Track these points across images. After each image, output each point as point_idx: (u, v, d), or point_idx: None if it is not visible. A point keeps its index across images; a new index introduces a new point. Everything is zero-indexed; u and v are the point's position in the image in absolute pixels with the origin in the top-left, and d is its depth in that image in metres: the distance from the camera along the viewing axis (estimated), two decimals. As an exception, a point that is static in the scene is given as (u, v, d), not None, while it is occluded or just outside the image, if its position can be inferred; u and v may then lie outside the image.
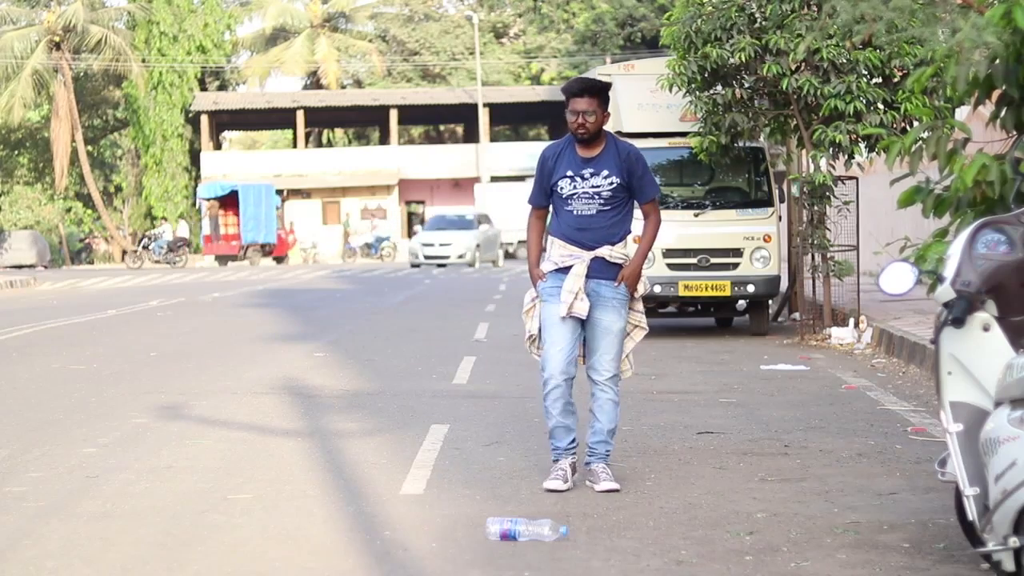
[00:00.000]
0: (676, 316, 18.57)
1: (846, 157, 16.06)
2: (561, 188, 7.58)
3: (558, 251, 7.64)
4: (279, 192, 54.44)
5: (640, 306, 7.83)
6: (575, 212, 7.57)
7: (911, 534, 6.54)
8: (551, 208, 7.76)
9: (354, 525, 6.88)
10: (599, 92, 7.55)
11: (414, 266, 44.32)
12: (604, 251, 7.58)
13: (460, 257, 43.89)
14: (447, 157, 58.96)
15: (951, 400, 5.58)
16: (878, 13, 6.95)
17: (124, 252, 56.44)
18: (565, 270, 7.59)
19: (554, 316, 7.57)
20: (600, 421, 7.69)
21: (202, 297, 27.66)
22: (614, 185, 7.56)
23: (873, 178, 22.26)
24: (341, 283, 33.60)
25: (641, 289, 7.73)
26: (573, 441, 7.70)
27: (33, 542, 6.55)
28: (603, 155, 7.60)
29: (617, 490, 7.48)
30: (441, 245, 44.28)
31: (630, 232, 7.78)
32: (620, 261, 7.62)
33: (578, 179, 7.55)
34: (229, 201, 51.41)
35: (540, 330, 7.72)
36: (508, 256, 52.12)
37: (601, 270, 7.58)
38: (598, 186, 7.55)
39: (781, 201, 17.74)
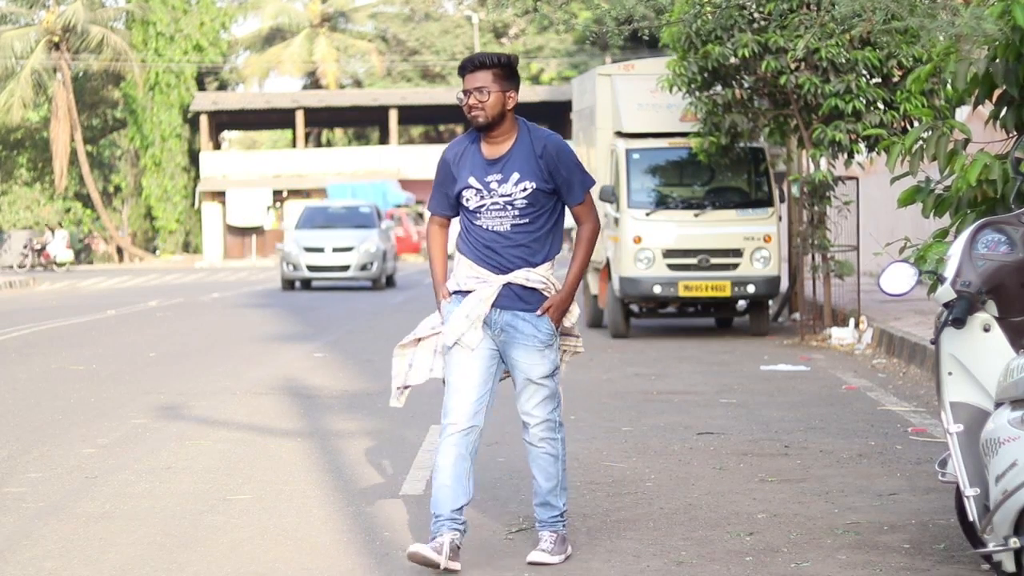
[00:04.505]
0: (676, 316, 18.57)
1: (846, 156, 16.08)
2: (467, 200, 6.05)
3: (464, 272, 6.11)
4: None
5: (576, 330, 6.33)
6: (485, 226, 6.04)
7: (911, 535, 6.54)
8: (461, 222, 6.21)
9: (354, 525, 6.88)
10: (497, 65, 6.01)
11: (288, 284, 29.89)
12: (519, 275, 6.02)
13: (363, 269, 29.35)
14: (447, 157, 58.85)
15: (951, 401, 5.57)
16: (877, 4, 6.94)
17: (121, 252, 56.47)
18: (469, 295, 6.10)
19: (457, 350, 6.07)
20: (536, 480, 6.20)
21: (202, 297, 27.65)
22: (528, 192, 5.98)
23: (873, 178, 22.26)
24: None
25: (570, 321, 6.20)
26: (459, 511, 5.98)
27: (32, 543, 6.54)
28: (513, 153, 6.02)
29: (548, 564, 6.06)
30: (335, 250, 29.34)
31: (559, 251, 6.17)
32: (540, 286, 6.04)
33: (484, 189, 6.01)
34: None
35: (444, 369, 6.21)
36: None
37: (516, 299, 6.04)
38: (509, 194, 5.99)
39: (781, 201, 17.76)
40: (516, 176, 5.99)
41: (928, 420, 10.01)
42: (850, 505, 7.20)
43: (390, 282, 30.86)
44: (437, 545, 5.85)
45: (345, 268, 29.22)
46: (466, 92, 6.00)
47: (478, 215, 6.04)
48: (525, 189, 5.98)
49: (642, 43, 56.28)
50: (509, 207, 6.00)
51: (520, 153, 6.03)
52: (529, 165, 5.99)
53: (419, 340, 6.25)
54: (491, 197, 6.00)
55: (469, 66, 6.01)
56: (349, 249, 29.25)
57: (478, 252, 6.05)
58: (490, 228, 6.03)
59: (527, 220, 6.01)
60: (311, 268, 29.26)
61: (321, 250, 29.27)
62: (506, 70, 6.02)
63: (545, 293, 6.05)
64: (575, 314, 6.19)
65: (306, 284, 30.06)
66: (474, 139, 6.11)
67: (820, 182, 16.15)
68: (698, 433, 9.62)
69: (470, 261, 6.08)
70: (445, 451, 6.03)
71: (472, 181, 6.02)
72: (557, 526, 6.17)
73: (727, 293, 16.73)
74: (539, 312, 6.01)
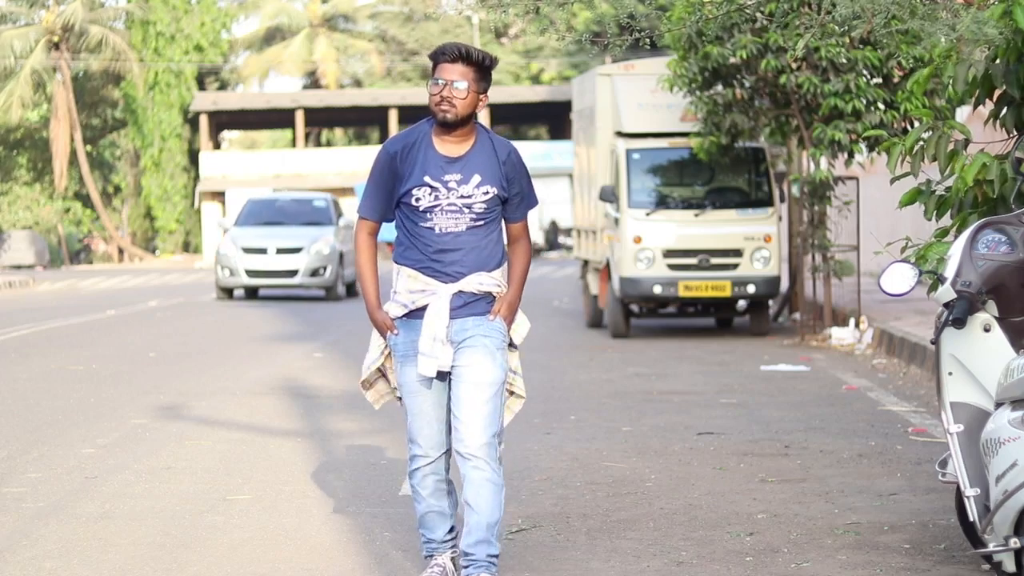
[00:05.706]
0: (676, 316, 18.57)
1: (846, 156, 16.08)
2: (417, 200, 5.53)
3: (406, 285, 5.62)
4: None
5: (516, 362, 5.76)
6: (437, 229, 5.54)
7: (912, 535, 6.54)
8: (400, 227, 5.67)
9: (354, 525, 6.87)
10: (478, 64, 5.53)
11: (225, 292, 25.06)
12: (472, 281, 5.56)
13: (313, 275, 24.41)
14: (447, 157, 58.81)
15: (952, 401, 5.57)
16: (877, 7, 6.92)
17: (121, 252, 56.50)
18: (419, 313, 5.59)
19: (414, 379, 5.63)
20: (476, 513, 5.48)
21: (201, 297, 27.63)
22: (489, 196, 5.55)
23: (873, 178, 22.25)
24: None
25: (520, 335, 5.76)
26: (451, 531, 5.77)
27: (32, 543, 6.54)
28: (474, 154, 5.57)
29: None
30: (280, 252, 24.43)
31: (505, 259, 5.73)
32: (496, 289, 5.61)
33: (441, 188, 5.52)
34: None
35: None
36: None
37: (465, 306, 5.58)
38: (468, 196, 5.53)
39: (781, 201, 17.76)
40: (478, 178, 5.54)
41: (928, 420, 10.01)
42: (850, 505, 7.20)
43: (351, 291, 25.51)
44: (437, 570, 5.72)
45: (292, 273, 24.32)
46: (439, 82, 5.48)
47: (428, 216, 5.54)
48: (487, 193, 5.55)
49: (644, 45, 56.32)
50: (466, 209, 5.54)
51: (482, 155, 5.57)
52: (492, 169, 5.57)
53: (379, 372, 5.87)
54: (448, 197, 5.53)
55: (452, 53, 5.50)
56: (297, 251, 24.33)
57: (426, 258, 5.56)
58: (444, 230, 5.55)
59: (482, 223, 5.57)
60: (251, 273, 24.36)
61: (263, 251, 24.32)
62: (487, 71, 5.57)
63: (498, 297, 5.64)
64: (524, 327, 5.77)
65: (251, 293, 25.33)
66: (425, 134, 5.59)
67: (820, 182, 16.16)
68: (698, 433, 9.62)
69: (414, 272, 5.59)
70: (423, 482, 5.66)
71: (427, 179, 5.52)
72: (493, 569, 5.55)
73: (727, 293, 16.73)
74: (491, 316, 5.57)
